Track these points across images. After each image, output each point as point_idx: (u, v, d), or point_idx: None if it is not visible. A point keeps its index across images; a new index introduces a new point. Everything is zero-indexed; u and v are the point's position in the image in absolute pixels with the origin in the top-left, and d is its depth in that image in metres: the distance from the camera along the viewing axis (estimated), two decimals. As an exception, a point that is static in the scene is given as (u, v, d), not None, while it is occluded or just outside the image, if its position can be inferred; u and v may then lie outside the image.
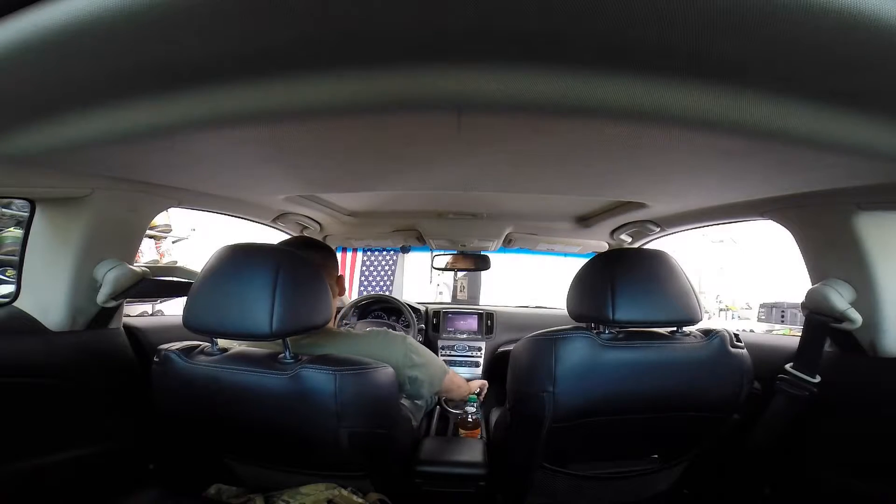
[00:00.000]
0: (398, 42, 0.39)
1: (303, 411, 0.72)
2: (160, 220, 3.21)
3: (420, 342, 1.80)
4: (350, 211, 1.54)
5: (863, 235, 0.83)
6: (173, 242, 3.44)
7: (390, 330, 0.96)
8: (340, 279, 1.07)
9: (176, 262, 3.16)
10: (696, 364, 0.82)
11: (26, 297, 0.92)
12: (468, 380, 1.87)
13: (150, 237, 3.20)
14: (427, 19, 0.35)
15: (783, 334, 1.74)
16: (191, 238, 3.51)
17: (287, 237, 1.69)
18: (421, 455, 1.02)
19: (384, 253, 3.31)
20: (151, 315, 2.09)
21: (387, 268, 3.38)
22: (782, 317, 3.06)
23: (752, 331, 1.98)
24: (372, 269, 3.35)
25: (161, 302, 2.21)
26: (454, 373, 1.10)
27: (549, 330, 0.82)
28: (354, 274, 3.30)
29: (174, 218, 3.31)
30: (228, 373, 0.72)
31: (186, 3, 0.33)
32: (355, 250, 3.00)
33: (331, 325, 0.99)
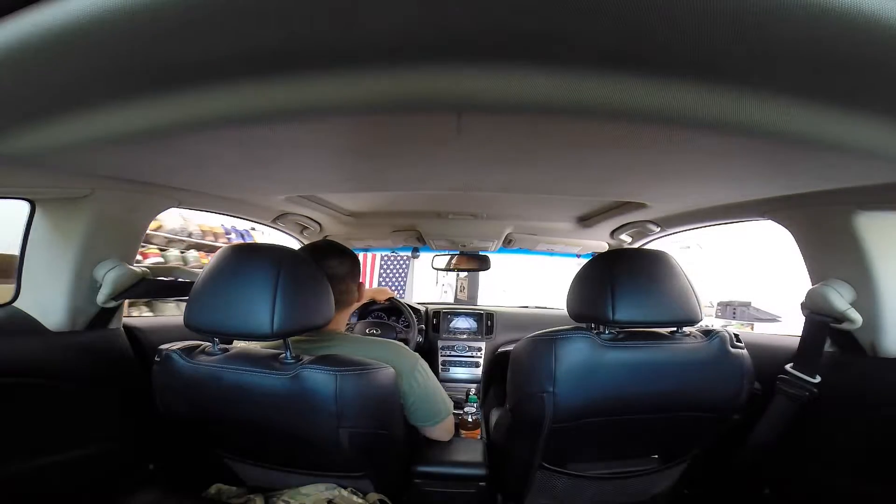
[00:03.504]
0: (398, 42, 0.39)
1: (303, 412, 0.72)
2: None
3: (420, 342, 1.82)
4: (350, 211, 1.54)
5: (863, 235, 0.83)
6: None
7: (404, 346, 0.93)
8: (360, 286, 1.03)
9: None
10: (696, 364, 0.82)
11: (26, 298, 0.92)
12: (465, 380, 1.88)
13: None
14: (427, 20, 0.35)
15: (737, 329, 1.73)
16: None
17: (286, 237, 1.69)
18: (421, 455, 1.02)
19: (397, 255, 3.47)
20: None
21: (400, 271, 3.62)
22: (734, 314, 3.54)
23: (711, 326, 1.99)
24: (388, 272, 3.59)
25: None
26: (452, 420, 1.04)
27: (549, 330, 0.82)
28: (374, 276, 3.57)
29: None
30: (229, 373, 0.72)
31: (186, 3, 0.33)
32: (374, 254, 3.31)
33: (340, 327, 0.99)
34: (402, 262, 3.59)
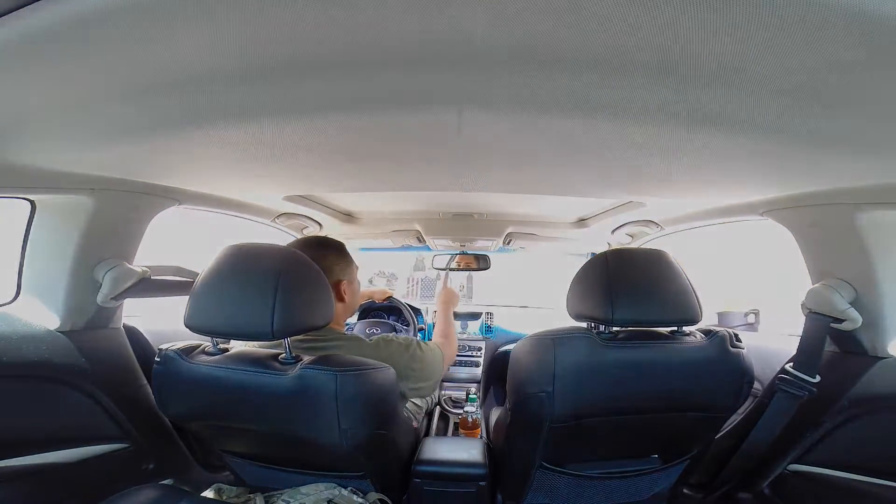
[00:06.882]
0: (399, 43, 0.39)
1: (303, 411, 0.72)
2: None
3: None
4: (350, 211, 1.54)
5: (863, 235, 0.83)
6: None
7: (396, 336, 0.95)
8: (339, 284, 0.96)
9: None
10: (695, 364, 0.82)
11: (26, 297, 0.92)
12: (465, 380, 1.88)
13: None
14: (428, 21, 0.35)
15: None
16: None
17: (288, 237, 1.69)
18: (421, 455, 1.02)
19: (429, 278, 4.92)
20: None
21: (432, 285, 4.94)
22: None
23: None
24: (425, 287, 4.98)
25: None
26: (444, 344, 1.06)
27: (549, 330, 0.82)
28: (419, 291, 5.00)
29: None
30: (229, 373, 0.72)
31: (186, 5, 0.33)
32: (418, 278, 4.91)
33: (338, 327, 0.99)
34: (433, 280, 5.09)
